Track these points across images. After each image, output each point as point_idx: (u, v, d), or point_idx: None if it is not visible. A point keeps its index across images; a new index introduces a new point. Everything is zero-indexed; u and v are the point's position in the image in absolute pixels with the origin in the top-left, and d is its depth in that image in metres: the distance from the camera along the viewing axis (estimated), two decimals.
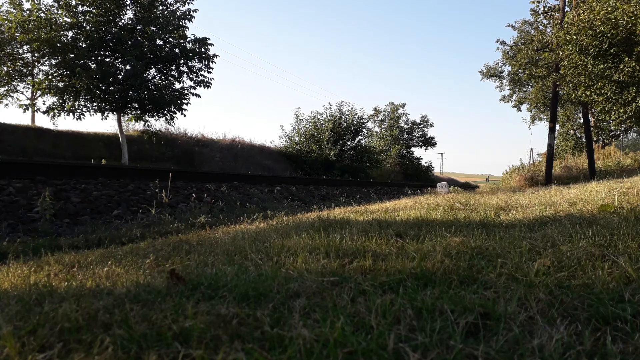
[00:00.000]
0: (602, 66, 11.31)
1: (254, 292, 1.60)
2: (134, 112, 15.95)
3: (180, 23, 15.78)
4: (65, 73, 13.93)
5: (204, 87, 16.68)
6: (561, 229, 2.69)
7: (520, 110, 29.75)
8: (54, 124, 15.84)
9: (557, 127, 25.65)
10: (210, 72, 16.77)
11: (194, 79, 16.52)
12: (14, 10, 14.34)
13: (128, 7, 15.29)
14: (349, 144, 25.88)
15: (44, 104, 15.02)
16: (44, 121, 66.51)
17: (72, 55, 14.03)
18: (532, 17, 22.75)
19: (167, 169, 9.41)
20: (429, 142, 41.58)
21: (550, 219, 3.32)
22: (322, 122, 25.64)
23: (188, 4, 16.24)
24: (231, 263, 2.27)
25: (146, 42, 15.13)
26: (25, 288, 1.88)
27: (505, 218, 3.68)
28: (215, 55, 16.65)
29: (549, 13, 16.10)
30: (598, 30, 11.02)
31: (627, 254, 1.94)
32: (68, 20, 14.19)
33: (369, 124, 35.07)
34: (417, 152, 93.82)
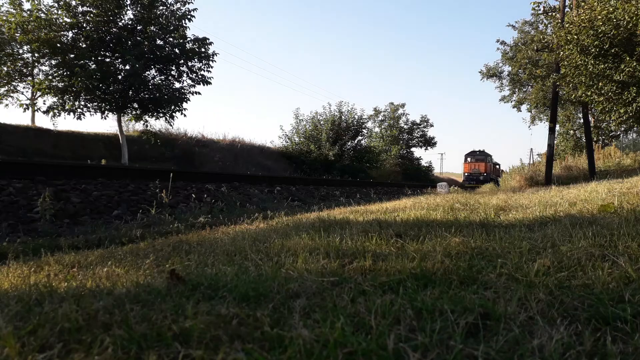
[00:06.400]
0: (602, 66, 11.30)
1: (254, 293, 1.60)
2: (134, 112, 15.96)
3: (181, 23, 15.79)
4: (65, 73, 13.94)
5: (204, 85, 16.71)
6: (561, 229, 2.69)
7: (520, 111, 29.65)
8: (54, 124, 15.83)
9: (557, 127, 25.61)
10: (210, 72, 16.80)
11: (194, 78, 16.54)
12: (14, 11, 14.31)
13: (128, 7, 15.30)
14: (348, 144, 25.88)
15: (44, 104, 15.02)
16: (44, 121, 66.31)
17: (72, 56, 14.03)
18: (533, 17, 22.81)
19: (167, 169, 9.40)
20: (429, 143, 41.60)
21: (550, 219, 3.32)
22: (321, 122, 25.63)
23: (188, 3, 16.26)
24: (231, 263, 2.26)
25: (146, 42, 15.13)
26: (25, 288, 1.87)
27: (505, 218, 3.68)
28: (214, 54, 16.67)
29: (550, 13, 16.09)
30: (599, 30, 11.01)
31: (627, 254, 1.94)
32: (68, 20, 14.19)
33: (369, 124, 35.01)
34: (417, 152, 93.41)
